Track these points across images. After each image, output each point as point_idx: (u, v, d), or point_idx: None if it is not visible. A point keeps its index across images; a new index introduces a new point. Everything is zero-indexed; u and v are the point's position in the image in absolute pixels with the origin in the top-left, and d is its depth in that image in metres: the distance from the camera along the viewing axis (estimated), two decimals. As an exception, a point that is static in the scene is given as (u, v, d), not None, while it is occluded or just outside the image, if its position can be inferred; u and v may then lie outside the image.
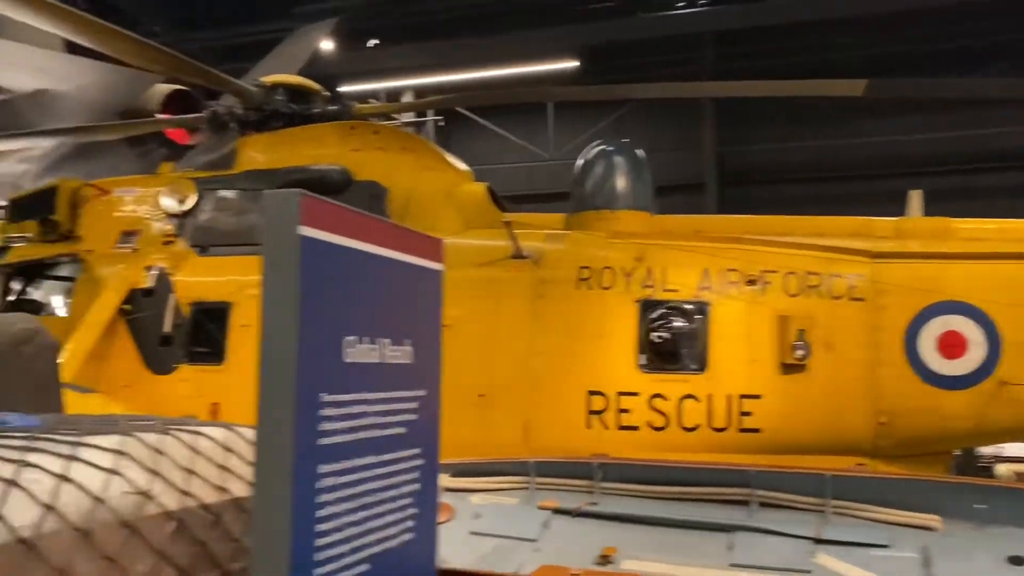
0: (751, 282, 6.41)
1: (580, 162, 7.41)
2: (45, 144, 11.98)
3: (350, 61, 16.61)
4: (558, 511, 4.99)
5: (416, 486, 3.44)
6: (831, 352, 6.37)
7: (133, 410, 7.22)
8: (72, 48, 13.26)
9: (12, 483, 2.58)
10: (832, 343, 6.38)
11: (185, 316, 7.73)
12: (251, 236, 7.99)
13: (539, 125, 19.62)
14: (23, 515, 2.52)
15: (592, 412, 6.29)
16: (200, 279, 7.89)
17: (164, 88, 11.85)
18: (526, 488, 5.43)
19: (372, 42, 16.85)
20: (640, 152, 7.45)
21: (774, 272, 6.46)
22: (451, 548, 3.50)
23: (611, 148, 7.39)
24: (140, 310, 7.89)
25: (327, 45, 15.11)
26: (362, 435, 3.03)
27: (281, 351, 2.65)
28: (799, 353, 6.24)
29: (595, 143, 7.54)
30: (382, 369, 3.21)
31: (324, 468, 2.79)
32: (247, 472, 3.56)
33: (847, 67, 15.75)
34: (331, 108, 8.76)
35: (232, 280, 7.74)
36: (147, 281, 7.95)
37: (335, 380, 2.86)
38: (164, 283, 7.93)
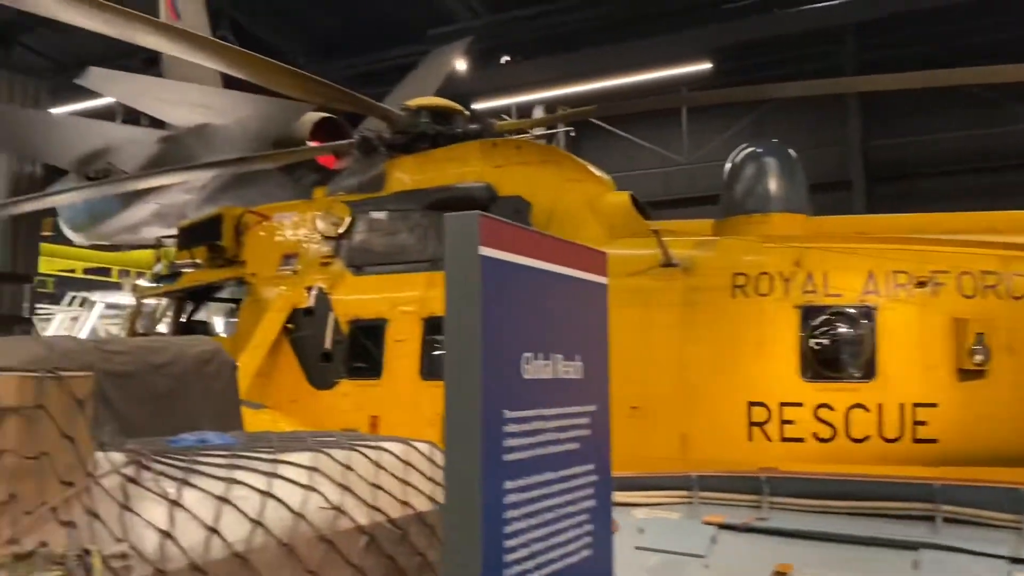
0: (921, 284, 6.05)
1: (728, 165, 7.22)
2: (205, 175, 12.81)
3: (483, 79, 16.92)
4: (724, 526, 4.85)
5: (592, 502, 3.43)
6: (1014, 356, 5.91)
7: (299, 424, 7.58)
8: (228, 83, 14.16)
9: (224, 500, 2.73)
10: (1014, 347, 5.92)
11: (344, 333, 8.04)
12: (402, 255, 8.27)
13: (671, 129, 19.34)
14: (236, 530, 2.67)
15: (753, 424, 6.09)
16: (356, 297, 8.20)
17: (313, 116, 12.45)
18: (689, 502, 5.31)
19: (504, 59, 17.12)
20: (792, 152, 7.19)
21: (946, 273, 6.06)
22: (617, 563, 3.46)
23: (761, 149, 7.16)
24: (302, 329, 8.28)
25: (460, 65, 15.44)
26: (541, 451, 3.05)
27: (466, 370, 2.71)
28: (978, 358, 5.83)
29: (743, 145, 7.32)
30: (556, 385, 3.22)
31: (509, 484, 2.82)
32: (427, 486, 3.65)
33: (992, 51, 14.70)
34: (472, 127, 8.94)
35: (386, 297, 8.00)
36: (308, 301, 8.34)
37: (516, 397, 2.90)
38: (323, 302, 8.30)
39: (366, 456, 3.48)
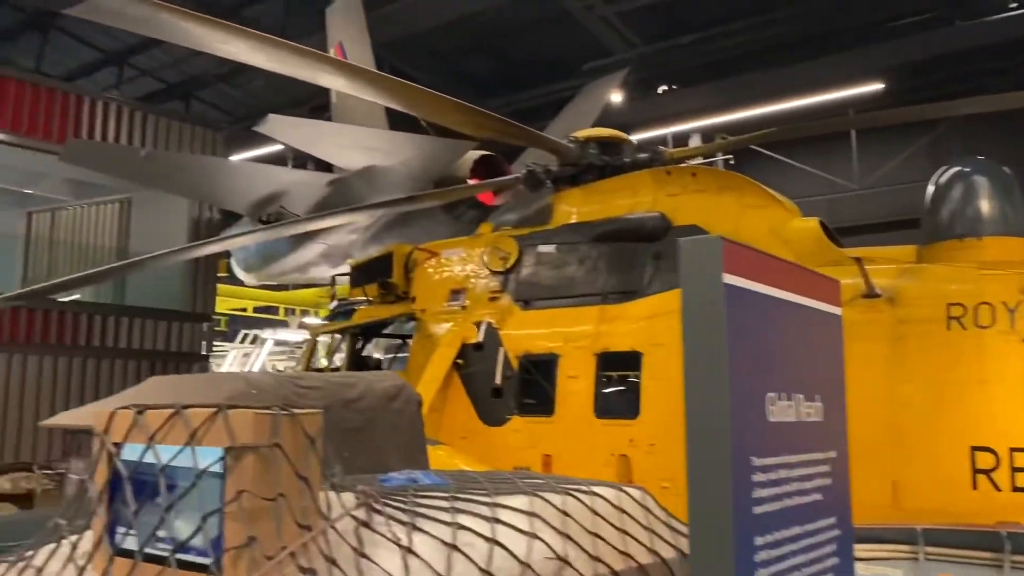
0: None
1: (931, 187, 6.62)
2: (371, 215, 13.21)
3: (639, 109, 16.72)
4: (963, 588, 4.32)
5: (835, 559, 3.08)
6: None
7: (473, 461, 7.49)
8: (394, 125, 14.63)
9: (452, 547, 2.58)
10: None
11: (514, 369, 7.93)
12: (572, 288, 8.10)
13: (839, 153, 18.39)
14: (467, 580, 2.50)
15: (978, 471, 5.45)
16: (526, 332, 8.09)
17: (474, 154, 12.63)
18: (914, 558, 4.78)
19: (662, 88, 16.88)
20: (1006, 169, 6.52)
21: None
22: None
23: (968, 168, 6.53)
24: (472, 364, 8.24)
25: (615, 96, 15.31)
26: (787, 503, 2.75)
27: (713, 411, 2.45)
28: None
29: (948, 165, 6.71)
30: (799, 428, 2.92)
31: (759, 540, 2.54)
32: (643, 535, 3.39)
33: None
34: (641, 156, 8.71)
35: (557, 332, 7.84)
36: (477, 336, 8.30)
37: (763, 442, 2.61)
38: (493, 337, 8.23)
39: (581, 502, 3.26)
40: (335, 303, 10.54)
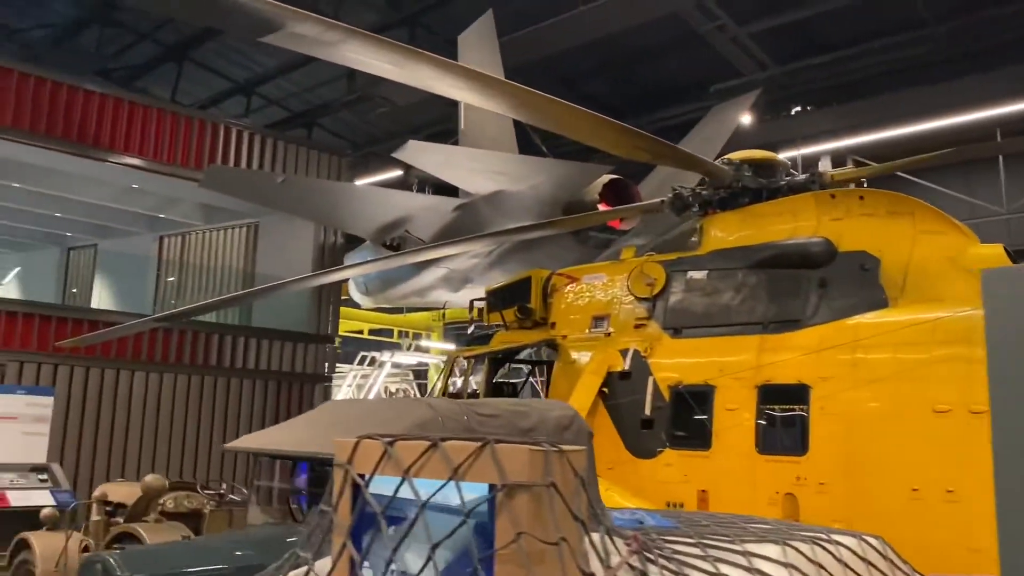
0: None
1: None
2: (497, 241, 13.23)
3: (769, 131, 16.27)
4: None
5: None
6: None
7: (628, 494, 7.26)
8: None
9: (727, 599, 2.39)
10: None
11: (666, 399, 7.69)
12: (727, 317, 7.81)
13: (982, 175, 17.41)
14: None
15: None
16: (678, 361, 7.84)
17: (604, 179, 12.51)
18: None
19: (795, 109, 16.40)
20: None
21: None
22: None
23: None
24: (618, 393, 8.04)
25: (744, 118, 14.95)
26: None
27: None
28: None
29: None
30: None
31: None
32: (896, 591, 3.13)
33: None
34: (797, 179, 8.39)
35: (713, 362, 7.56)
36: (624, 364, 8.10)
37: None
38: (641, 366, 8.01)
39: (828, 551, 3.03)
40: (472, 327, 10.51)
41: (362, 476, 2.76)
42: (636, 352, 8.14)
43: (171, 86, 21.31)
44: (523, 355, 10.78)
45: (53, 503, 11.04)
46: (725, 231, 8.25)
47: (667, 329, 8.16)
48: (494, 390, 9.68)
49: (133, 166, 15.68)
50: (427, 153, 11.88)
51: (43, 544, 7.15)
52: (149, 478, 6.59)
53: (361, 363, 21.12)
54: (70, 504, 11.30)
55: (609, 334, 8.61)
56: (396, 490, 2.59)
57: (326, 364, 18.02)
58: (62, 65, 16.73)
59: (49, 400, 12.39)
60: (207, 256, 20.82)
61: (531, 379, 11.33)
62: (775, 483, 6.83)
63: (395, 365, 21.35)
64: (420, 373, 25.44)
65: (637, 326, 8.38)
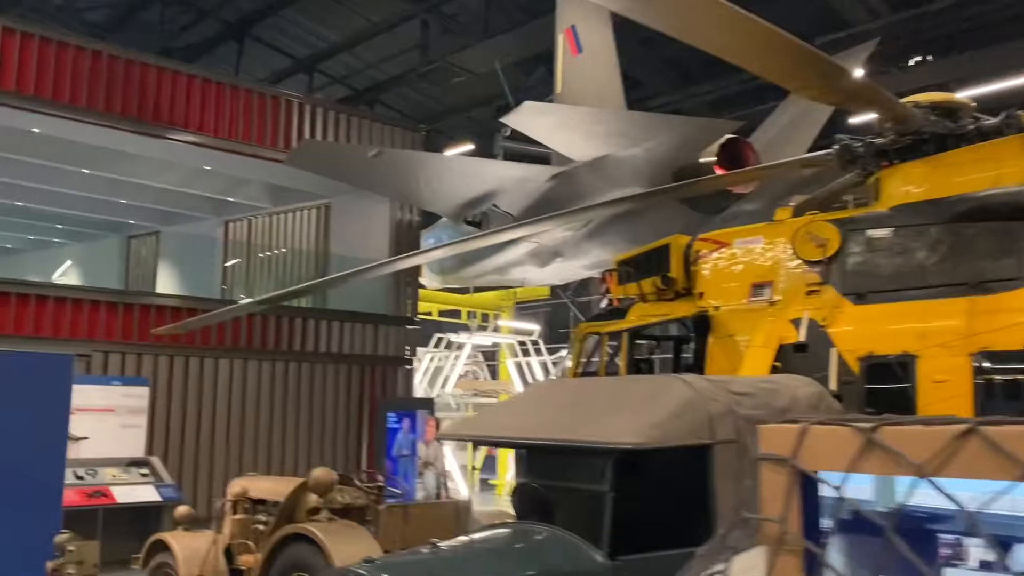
0: None
1: None
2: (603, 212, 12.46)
3: (884, 84, 15.22)
4: None
5: None
6: None
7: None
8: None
9: None
10: None
11: (854, 372, 6.92)
12: (925, 278, 7.02)
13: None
14: None
15: None
16: (867, 330, 7.06)
17: (722, 139, 11.72)
18: None
19: (914, 60, 15.36)
20: None
21: None
22: None
23: None
24: (795, 367, 7.28)
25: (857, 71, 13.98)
26: None
27: None
28: None
29: None
30: None
31: None
32: None
33: None
34: (988, 123, 7.53)
35: (912, 329, 6.78)
36: (798, 335, 7.36)
37: None
38: (820, 336, 7.25)
39: None
40: (605, 302, 9.81)
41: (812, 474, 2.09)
42: (812, 321, 7.37)
43: (232, 65, 20.80)
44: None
45: (159, 498, 10.63)
46: (911, 183, 7.43)
47: (848, 295, 7.38)
48: (635, 368, 8.96)
49: (205, 145, 15.15)
50: (542, 115, 11.14)
51: (183, 546, 6.62)
52: (318, 472, 6.01)
53: (437, 346, 20.57)
54: (176, 499, 10.89)
55: (774, 303, 7.85)
56: (908, 493, 1.90)
57: (406, 346, 17.45)
58: (125, 44, 16.23)
59: (145, 391, 11.96)
60: (276, 239, 20.35)
61: (664, 355, 10.57)
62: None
63: (477, 347, 20.78)
64: (488, 355, 24.84)
65: (809, 293, 7.60)
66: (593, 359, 9.97)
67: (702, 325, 8.29)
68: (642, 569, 3.53)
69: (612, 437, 3.55)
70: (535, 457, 4.09)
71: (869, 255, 7.40)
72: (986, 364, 6.31)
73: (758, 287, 8.10)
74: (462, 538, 3.89)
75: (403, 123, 18.53)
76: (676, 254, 8.82)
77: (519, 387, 20.91)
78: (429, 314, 23.03)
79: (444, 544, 3.67)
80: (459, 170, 13.71)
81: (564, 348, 21.44)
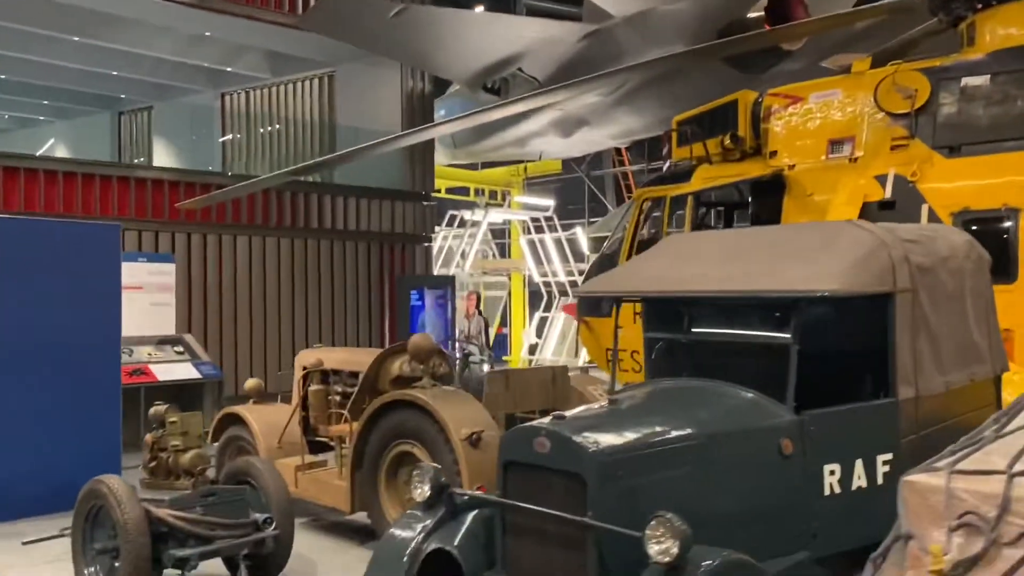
0: None
1: None
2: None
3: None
4: None
5: None
6: None
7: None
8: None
9: None
10: None
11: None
12: (1021, 128, 6.71)
13: None
14: None
15: None
16: (960, 184, 6.84)
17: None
18: None
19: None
20: None
21: None
22: None
23: None
24: (881, 226, 7.06)
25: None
26: None
27: None
28: None
29: None
30: None
31: None
32: None
33: None
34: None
35: (1013, 182, 6.54)
36: (884, 192, 7.11)
37: None
38: (907, 192, 7.02)
39: None
40: (668, 163, 9.45)
41: None
42: (899, 177, 7.12)
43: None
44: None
45: (199, 375, 10.47)
46: (1011, 26, 7.02)
47: (939, 148, 7.09)
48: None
49: (206, 7, 14.20)
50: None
51: (258, 418, 6.46)
52: (416, 338, 5.78)
53: (451, 224, 20.12)
54: (217, 376, 10.75)
55: (855, 159, 7.57)
56: None
57: (425, 223, 17.05)
58: None
59: (171, 267, 11.65)
60: (278, 112, 19.54)
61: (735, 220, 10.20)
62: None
63: (473, 224, 20.36)
64: (497, 232, 24.48)
65: (895, 147, 7.32)
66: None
67: (776, 185, 7.99)
68: (826, 423, 3.36)
69: (802, 285, 3.31)
70: (694, 311, 3.86)
71: (964, 104, 7.09)
72: (1096, 216, 6.12)
73: (836, 143, 7.79)
74: (634, 394, 3.67)
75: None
76: (744, 111, 8.44)
77: (532, 266, 20.68)
78: (438, 191, 22.50)
79: (622, 399, 3.48)
80: (486, 29, 12.98)
81: (578, 224, 21.09)
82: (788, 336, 3.36)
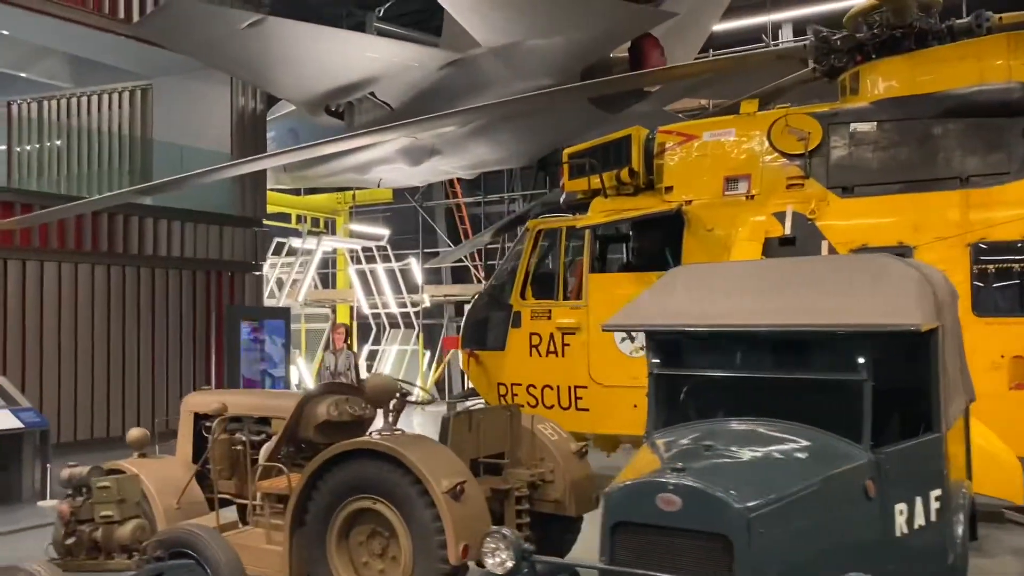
0: None
1: None
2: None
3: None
4: None
5: None
6: None
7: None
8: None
9: None
10: None
11: (848, 265, 7.08)
12: (914, 172, 7.26)
13: None
14: None
15: None
16: (858, 222, 7.27)
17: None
18: None
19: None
20: None
21: None
22: None
23: None
24: (782, 260, 7.34)
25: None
26: None
27: None
28: None
29: None
30: None
31: None
32: None
33: None
34: (961, 22, 7.80)
35: (906, 221, 7.03)
36: (784, 228, 7.40)
37: None
38: (807, 230, 7.35)
39: None
40: (564, 195, 9.31)
41: None
42: (797, 215, 7.46)
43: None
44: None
45: (19, 424, 9.03)
46: (891, 78, 7.59)
47: (833, 188, 7.52)
48: (600, 267, 8.64)
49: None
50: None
51: (150, 475, 5.53)
52: (374, 380, 5.15)
53: (278, 252, 18.89)
54: (42, 425, 9.28)
55: (752, 196, 7.85)
56: None
57: (256, 250, 15.94)
58: None
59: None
60: (81, 123, 17.57)
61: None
62: (998, 346, 6.51)
63: (305, 252, 19.36)
64: (324, 262, 23.30)
65: (791, 186, 7.69)
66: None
67: (676, 221, 8.10)
68: (897, 461, 3.29)
69: (879, 319, 3.23)
70: (739, 347, 3.68)
71: (854, 148, 7.55)
72: (981, 254, 6.66)
73: (732, 180, 8.06)
74: (711, 438, 3.35)
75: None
76: (637, 146, 8.56)
77: (361, 297, 19.92)
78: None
79: (704, 445, 3.20)
80: (345, 47, 12.35)
81: (411, 254, 20.57)
82: (861, 374, 3.28)
